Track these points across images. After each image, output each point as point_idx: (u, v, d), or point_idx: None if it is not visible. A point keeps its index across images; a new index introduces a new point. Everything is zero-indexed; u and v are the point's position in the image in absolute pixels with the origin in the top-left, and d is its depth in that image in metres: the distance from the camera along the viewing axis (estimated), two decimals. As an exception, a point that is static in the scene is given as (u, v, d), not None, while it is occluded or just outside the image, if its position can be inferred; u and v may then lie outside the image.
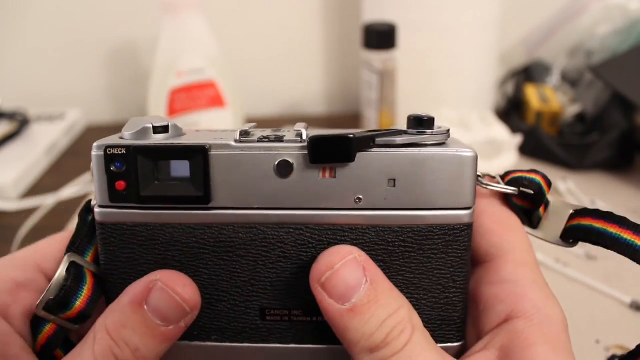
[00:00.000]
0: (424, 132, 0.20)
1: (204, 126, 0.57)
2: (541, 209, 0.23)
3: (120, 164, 0.20)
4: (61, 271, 0.20)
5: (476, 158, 0.20)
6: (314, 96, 0.80)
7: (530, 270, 0.21)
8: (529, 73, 0.68)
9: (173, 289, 0.19)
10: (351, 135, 0.19)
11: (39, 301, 0.20)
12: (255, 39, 0.75)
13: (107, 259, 0.21)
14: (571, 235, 0.22)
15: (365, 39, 0.53)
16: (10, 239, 0.47)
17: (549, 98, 0.61)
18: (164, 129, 0.20)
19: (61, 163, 0.65)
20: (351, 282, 0.18)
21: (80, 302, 0.20)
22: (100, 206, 0.21)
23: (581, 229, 0.21)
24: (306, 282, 0.20)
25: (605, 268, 0.42)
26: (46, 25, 0.72)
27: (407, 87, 0.58)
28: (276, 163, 0.20)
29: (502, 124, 0.57)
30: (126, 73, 0.76)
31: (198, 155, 0.20)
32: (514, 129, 0.58)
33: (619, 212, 0.55)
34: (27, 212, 0.52)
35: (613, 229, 0.21)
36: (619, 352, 0.30)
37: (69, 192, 0.56)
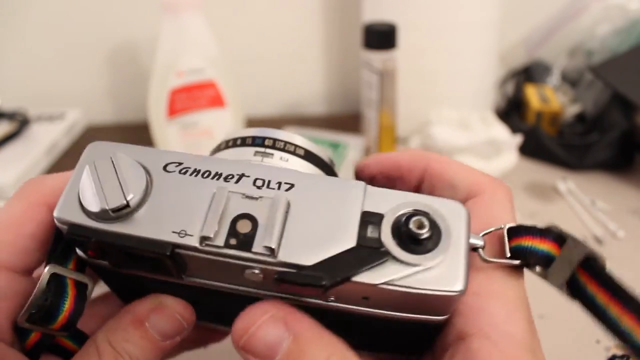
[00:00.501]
0: (415, 251, 0.17)
1: (204, 126, 0.57)
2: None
3: (84, 243, 0.19)
4: (42, 284, 0.19)
5: (462, 293, 0.17)
6: (314, 96, 0.80)
7: (497, 281, 0.19)
8: (529, 73, 0.68)
9: (176, 311, 0.21)
10: (324, 283, 0.17)
11: (20, 314, 0.19)
12: (255, 39, 0.75)
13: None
14: (572, 291, 0.19)
15: (365, 39, 0.53)
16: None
17: (549, 98, 0.61)
18: (122, 208, 0.18)
19: (61, 163, 0.65)
20: (271, 341, 0.18)
21: (62, 317, 0.20)
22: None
23: (583, 295, 0.19)
24: None
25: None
26: (46, 25, 0.72)
27: (407, 87, 0.58)
28: (246, 271, 0.18)
29: (502, 124, 0.57)
30: (126, 73, 0.76)
31: (160, 258, 0.18)
32: (514, 129, 0.58)
33: (619, 212, 0.54)
34: (27, 212, 0.52)
35: (615, 309, 0.18)
36: (619, 352, 0.30)
37: (69, 192, 0.56)
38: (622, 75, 0.56)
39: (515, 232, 0.20)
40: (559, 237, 0.19)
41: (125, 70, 0.76)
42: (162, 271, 0.19)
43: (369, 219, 0.18)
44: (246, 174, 0.19)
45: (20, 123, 0.66)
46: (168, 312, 0.21)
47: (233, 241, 0.18)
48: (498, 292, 0.19)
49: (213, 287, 0.20)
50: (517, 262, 0.19)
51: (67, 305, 0.20)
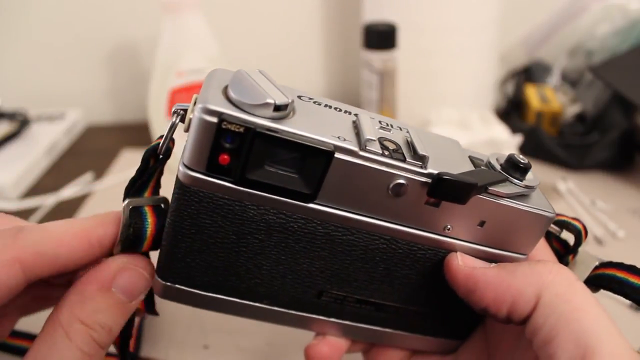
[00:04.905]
0: (520, 179, 0.21)
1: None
2: (570, 257, 0.24)
3: (231, 139, 0.18)
4: (125, 219, 0.21)
5: (553, 218, 0.22)
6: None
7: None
8: (529, 73, 0.68)
9: (140, 266, 0.21)
10: (476, 182, 0.19)
11: (115, 245, 0.21)
12: (255, 38, 0.75)
13: (178, 218, 0.20)
14: (594, 282, 0.23)
15: (365, 39, 0.53)
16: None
17: (549, 98, 0.61)
18: (284, 107, 0.18)
19: (61, 163, 0.65)
20: None
21: (147, 241, 0.21)
22: (190, 168, 0.19)
23: (604, 277, 0.23)
24: (374, 284, 0.23)
25: (605, 268, 0.42)
26: (46, 25, 0.72)
27: (407, 87, 0.58)
28: (393, 184, 0.20)
29: (502, 124, 0.57)
30: (126, 73, 0.76)
31: (321, 157, 0.18)
32: (514, 129, 0.58)
33: (619, 212, 0.55)
34: (27, 212, 0.52)
35: (634, 279, 0.22)
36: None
37: (69, 192, 0.56)
38: (622, 75, 0.55)
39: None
40: (585, 226, 0.24)
41: (125, 70, 0.76)
42: (297, 187, 0.19)
43: (476, 160, 0.22)
44: (371, 116, 0.21)
45: (20, 123, 0.66)
46: (132, 270, 0.21)
47: (386, 152, 0.19)
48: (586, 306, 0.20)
49: (338, 221, 0.21)
50: (557, 228, 0.24)
51: (150, 229, 0.21)
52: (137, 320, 0.36)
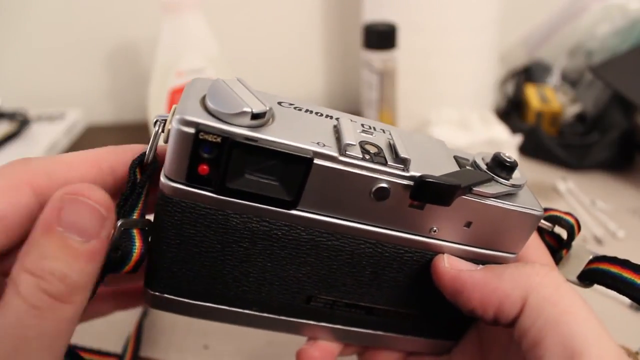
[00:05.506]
0: (507, 178, 0.21)
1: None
2: (563, 251, 0.24)
3: (209, 149, 0.18)
4: (115, 239, 0.19)
5: (542, 216, 0.22)
6: (314, 96, 0.80)
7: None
8: (529, 73, 0.68)
9: (84, 195, 0.17)
10: (459, 184, 0.19)
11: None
12: (255, 39, 0.75)
13: (162, 228, 0.20)
14: (587, 277, 0.23)
15: (365, 39, 0.53)
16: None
17: (549, 98, 0.61)
18: (262, 115, 0.18)
19: (61, 163, 0.65)
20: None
21: (135, 255, 0.20)
22: (170, 179, 0.19)
23: (597, 272, 0.23)
24: (363, 287, 0.23)
25: (605, 268, 0.42)
26: (46, 25, 0.72)
27: (407, 87, 0.58)
28: (375, 188, 0.20)
29: (502, 124, 0.57)
30: (126, 73, 0.76)
31: (300, 164, 0.19)
32: (514, 129, 0.58)
33: (619, 212, 0.55)
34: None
35: (627, 274, 0.22)
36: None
37: (69, 192, 0.56)
38: (622, 75, 0.55)
39: (546, 209, 0.24)
40: (578, 220, 0.24)
41: (125, 70, 0.76)
42: (278, 194, 0.19)
43: (461, 160, 0.22)
44: (352, 120, 0.21)
45: (20, 123, 0.66)
46: (79, 202, 0.17)
47: (367, 156, 0.19)
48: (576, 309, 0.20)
49: (322, 227, 0.21)
50: (549, 224, 0.24)
51: (136, 253, 0.20)
52: (137, 320, 0.36)
